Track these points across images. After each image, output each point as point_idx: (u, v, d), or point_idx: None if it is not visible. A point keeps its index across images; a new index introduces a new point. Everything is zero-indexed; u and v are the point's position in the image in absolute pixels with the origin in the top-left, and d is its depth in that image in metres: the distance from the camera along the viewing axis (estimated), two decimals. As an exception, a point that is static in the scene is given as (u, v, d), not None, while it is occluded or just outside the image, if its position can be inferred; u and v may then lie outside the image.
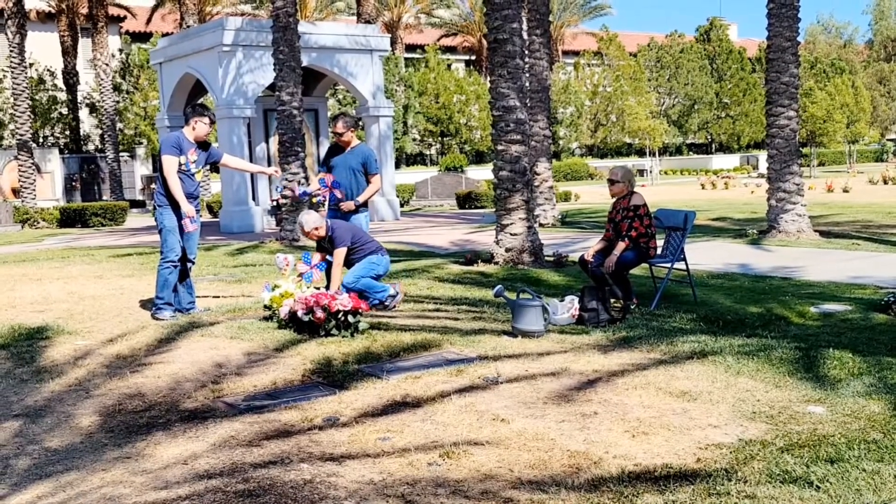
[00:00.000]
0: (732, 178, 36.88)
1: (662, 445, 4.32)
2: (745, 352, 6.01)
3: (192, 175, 7.94)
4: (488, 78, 11.27)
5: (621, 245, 7.75)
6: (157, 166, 8.04)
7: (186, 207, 7.85)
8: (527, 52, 17.99)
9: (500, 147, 10.95)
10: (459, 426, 4.68)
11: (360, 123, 23.66)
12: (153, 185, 8.31)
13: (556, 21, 47.69)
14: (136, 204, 31.98)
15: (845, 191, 25.68)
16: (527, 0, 18.43)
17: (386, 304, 7.98)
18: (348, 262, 8.01)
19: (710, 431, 4.50)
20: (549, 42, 18.36)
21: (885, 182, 29.68)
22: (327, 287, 7.82)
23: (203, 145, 8.09)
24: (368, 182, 8.86)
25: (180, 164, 7.83)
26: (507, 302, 7.00)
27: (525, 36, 18.30)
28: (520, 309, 6.73)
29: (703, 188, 31.56)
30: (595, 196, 27.64)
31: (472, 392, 5.28)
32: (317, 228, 7.87)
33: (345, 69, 20.77)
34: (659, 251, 8.25)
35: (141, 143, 35.45)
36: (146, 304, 8.50)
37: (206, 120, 7.97)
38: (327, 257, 8.09)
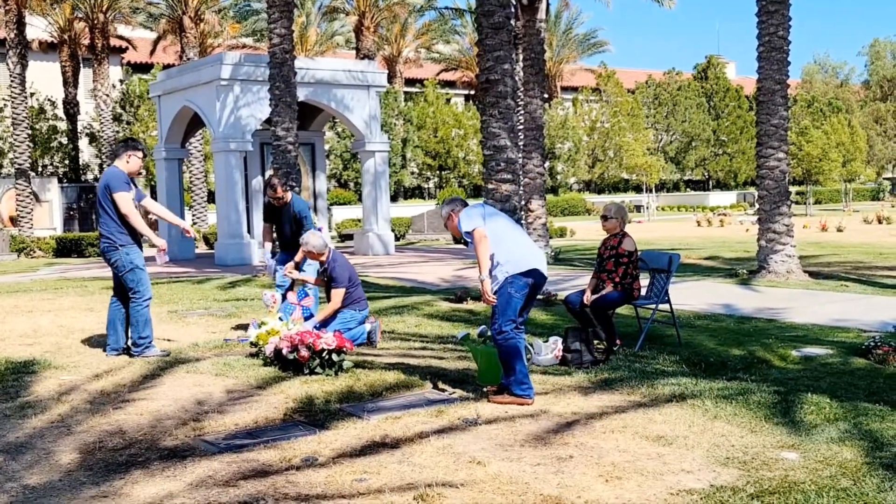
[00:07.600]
0: (728, 215, 37.06)
1: (634, 490, 4.36)
2: (724, 395, 6.06)
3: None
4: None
5: (609, 287, 7.81)
6: (105, 205, 7.80)
7: (159, 241, 7.77)
8: (521, 90, 18.20)
9: (490, 186, 11.06)
10: (436, 468, 4.72)
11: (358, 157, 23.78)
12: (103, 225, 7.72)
13: (555, 57, 48.06)
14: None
15: (839, 230, 25.76)
16: (522, 39, 18.68)
17: (372, 339, 8.08)
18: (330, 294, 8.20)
19: (683, 477, 4.54)
20: (544, 81, 18.55)
21: (880, 221, 29.77)
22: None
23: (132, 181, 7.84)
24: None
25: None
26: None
27: (521, 74, 18.55)
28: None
29: (698, 225, 31.69)
30: (591, 232, 27.73)
31: (450, 433, 5.33)
32: (321, 254, 8.11)
33: (341, 104, 20.96)
34: (644, 292, 8.32)
35: (140, 174, 35.60)
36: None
37: (140, 154, 7.76)
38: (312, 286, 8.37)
